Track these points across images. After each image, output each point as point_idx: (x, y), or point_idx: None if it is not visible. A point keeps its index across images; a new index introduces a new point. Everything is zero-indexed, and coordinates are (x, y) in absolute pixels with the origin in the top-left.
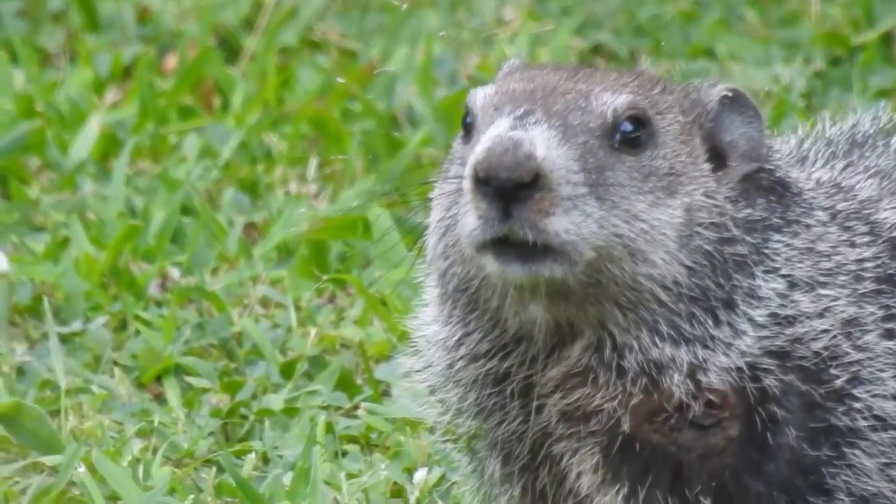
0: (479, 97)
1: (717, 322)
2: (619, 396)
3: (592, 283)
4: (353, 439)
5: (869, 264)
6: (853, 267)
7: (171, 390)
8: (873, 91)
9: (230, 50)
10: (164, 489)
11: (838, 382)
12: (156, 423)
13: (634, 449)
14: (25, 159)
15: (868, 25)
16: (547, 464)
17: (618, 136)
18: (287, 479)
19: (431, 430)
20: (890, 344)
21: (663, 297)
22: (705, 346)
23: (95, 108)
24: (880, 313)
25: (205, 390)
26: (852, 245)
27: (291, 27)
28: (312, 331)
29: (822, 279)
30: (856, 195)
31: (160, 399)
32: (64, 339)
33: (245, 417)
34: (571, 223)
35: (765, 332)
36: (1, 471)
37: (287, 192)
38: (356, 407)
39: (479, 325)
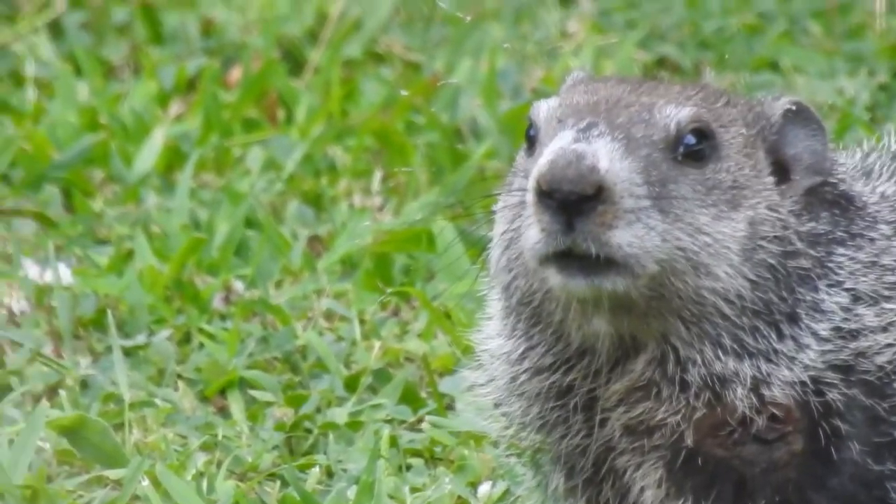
0: (543, 110)
1: (781, 336)
2: (683, 410)
3: (655, 297)
4: (417, 453)
5: None
6: None
7: (235, 404)
8: None
9: (294, 62)
10: (228, 503)
11: None
12: (220, 437)
13: (698, 463)
14: (89, 172)
15: None
16: (610, 478)
17: (681, 149)
18: (351, 492)
19: (495, 444)
20: None
21: (727, 310)
22: (769, 360)
23: (159, 121)
24: None
25: (269, 404)
26: None
27: (356, 39)
28: (377, 344)
29: (886, 293)
30: None
31: (224, 412)
32: (128, 353)
33: (309, 431)
34: (634, 236)
35: (828, 346)
36: (65, 484)
37: (351, 205)
38: (420, 420)
39: (542, 339)
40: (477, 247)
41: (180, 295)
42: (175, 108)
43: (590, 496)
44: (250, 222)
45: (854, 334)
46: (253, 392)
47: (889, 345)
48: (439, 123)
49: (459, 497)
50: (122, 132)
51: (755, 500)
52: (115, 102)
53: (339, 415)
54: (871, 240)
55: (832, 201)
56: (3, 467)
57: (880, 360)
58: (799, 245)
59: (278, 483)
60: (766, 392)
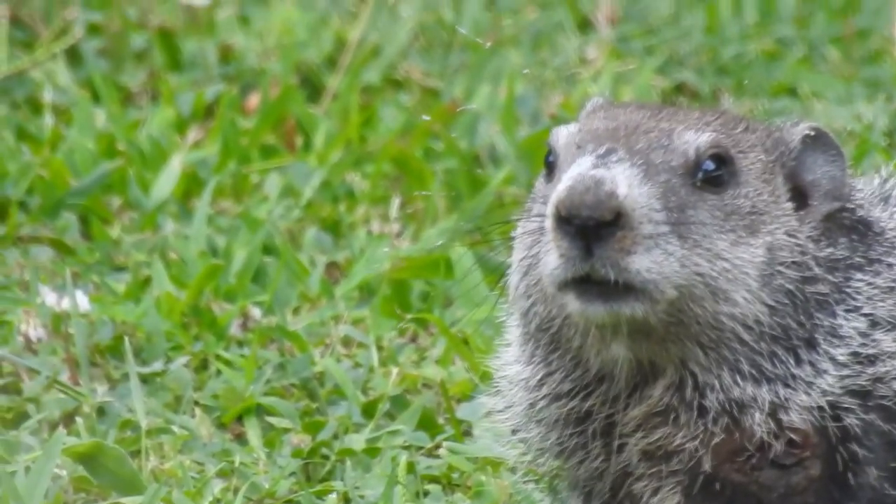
0: (562, 135)
1: (799, 361)
2: (701, 436)
3: (674, 322)
4: (434, 479)
5: None
6: None
7: (252, 430)
8: None
9: (313, 88)
10: None
11: None
12: (237, 464)
13: (715, 488)
14: (107, 198)
15: None
16: (628, 502)
17: (700, 175)
18: None
19: (513, 470)
20: None
21: (745, 336)
22: (787, 385)
23: (177, 148)
24: None
25: (286, 430)
26: None
27: (374, 66)
28: (394, 370)
29: None
30: None
31: (241, 439)
32: (145, 379)
33: (326, 457)
34: (653, 262)
35: (846, 371)
36: None
37: (369, 232)
38: (438, 446)
39: (561, 365)
40: (495, 273)
41: (197, 322)
42: (193, 134)
43: None
44: (268, 249)
45: (872, 359)
46: (270, 419)
47: None
48: (458, 149)
49: None
50: (139, 159)
51: None
52: (133, 129)
53: (357, 441)
54: (889, 265)
55: (850, 227)
56: (20, 494)
57: None
58: (817, 270)
59: None
60: (784, 417)
